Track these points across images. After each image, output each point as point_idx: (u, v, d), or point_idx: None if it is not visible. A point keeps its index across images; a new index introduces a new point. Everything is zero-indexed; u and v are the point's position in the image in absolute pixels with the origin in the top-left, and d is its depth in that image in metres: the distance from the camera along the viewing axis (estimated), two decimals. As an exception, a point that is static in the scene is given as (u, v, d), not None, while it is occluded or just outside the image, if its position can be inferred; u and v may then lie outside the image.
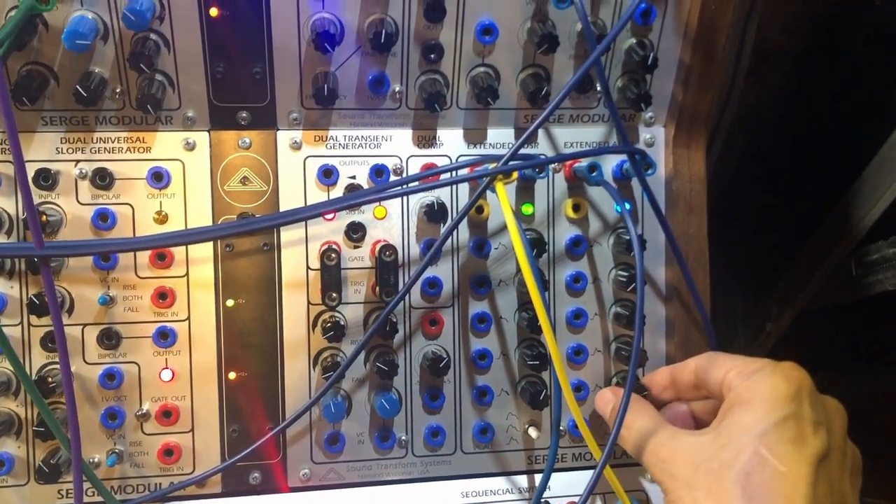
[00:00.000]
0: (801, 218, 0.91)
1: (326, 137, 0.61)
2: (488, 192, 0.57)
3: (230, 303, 0.61)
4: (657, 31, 0.61)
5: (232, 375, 0.61)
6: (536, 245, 0.61)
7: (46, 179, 0.58)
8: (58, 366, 0.59)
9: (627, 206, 0.64)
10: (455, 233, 0.62)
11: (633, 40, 0.61)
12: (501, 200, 0.55)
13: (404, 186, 0.58)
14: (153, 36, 0.56)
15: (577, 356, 0.65)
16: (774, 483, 0.44)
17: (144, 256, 0.59)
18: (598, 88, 0.61)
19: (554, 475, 0.64)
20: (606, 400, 0.60)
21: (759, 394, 0.48)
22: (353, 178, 0.62)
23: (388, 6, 0.57)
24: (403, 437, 0.64)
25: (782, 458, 0.45)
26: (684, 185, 0.64)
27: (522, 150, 0.58)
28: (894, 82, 0.80)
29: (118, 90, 0.57)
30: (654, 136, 0.65)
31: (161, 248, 0.58)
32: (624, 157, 0.63)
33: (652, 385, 0.60)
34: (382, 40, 0.56)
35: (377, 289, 0.60)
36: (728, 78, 0.88)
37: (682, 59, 0.62)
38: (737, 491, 0.45)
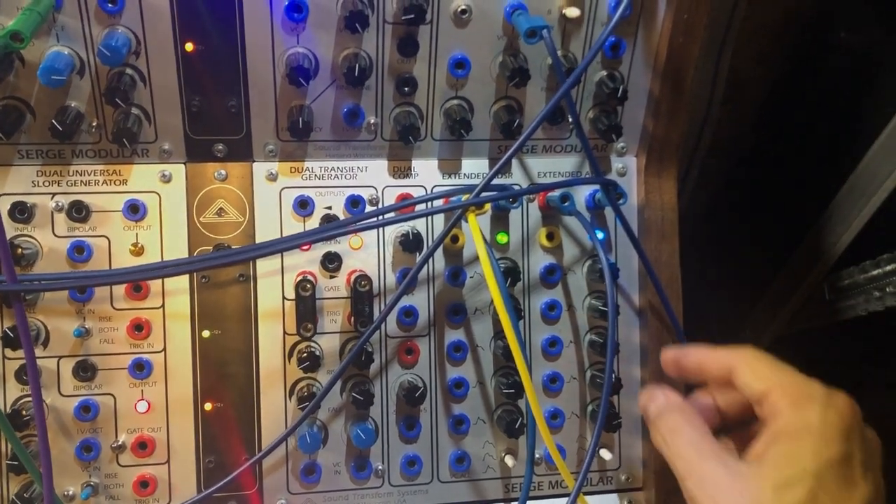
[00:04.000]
0: (777, 244, 0.92)
1: (302, 169, 0.62)
2: (464, 222, 0.58)
3: (206, 334, 0.61)
4: (627, 64, 0.62)
5: (208, 406, 0.61)
6: (511, 274, 0.61)
7: (22, 212, 0.58)
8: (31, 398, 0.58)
9: (601, 234, 0.65)
10: (431, 262, 0.63)
11: (604, 72, 0.62)
12: (473, 232, 0.56)
13: (380, 217, 0.59)
14: (129, 71, 0.56)
15: (552, 384, 0.65)
16: None
17: (120, 288, 0.59)
18: (570, 120, 0.62)
19: (530, 503, 0.64)
20: (654, 398, 0.53)
21: (812, 428, 0.44)
22: (329, 208, 0.62)
23: (361, 41, 0.58)
24: (380, 467, 0.64)
25: (835, 501, 0.43)
26: (656, 213, 0.65)
27: (496, 181, 0.59)
28: (862, 110, 0.82)
29: (94, 124, 0.58)
30: (626, 165, 0.66)
31: (136, 282, 0.58)
32: (596, 186, 0.63)
33: (681, 366, 0.55)
34: (356, 74, 0.56)
35: (352, 319, 0.60)
36: (703, 106, 0.89)
37: (651, 91, 0.63)
38: None
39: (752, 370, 0.49)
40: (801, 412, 0.45)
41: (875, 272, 0.77)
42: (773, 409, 0.46)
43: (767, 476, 0.44)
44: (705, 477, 0.47)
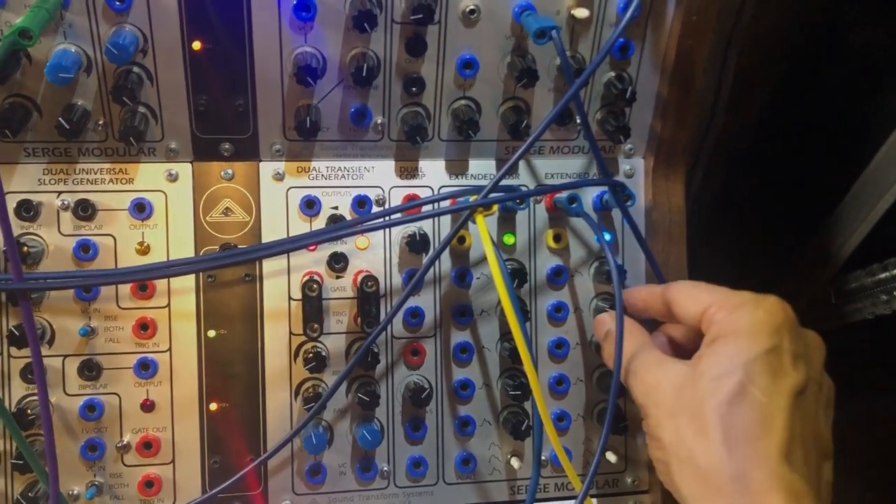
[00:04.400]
0: (784, 247, 0.91)
1: (309, 168, 0.62)
2: (471, 223, 0.58)
3: (212, 333, 0.61)
4: (635, 65, 0.62)
5: (213, 406, 0.61)
6: (517, 275, 0.61)
7: (28, 210, 0.58)
8: (37, 397, 0.58)
9: (608, 236, 0.65)
10: (437, 263, 0.63)
11: (612, 74, 0.62)
12: (482, 233, 0.56)
13: (386, 218, 0.59)
14: (136, 69, 0.56)
15: (559, 386, 0.65)
16: (754, 412, 0.46)
17: (126, 287, 0.59)
18: (578, 121, 0.62)
19: (536, 506, 0.64)
20: (603, 323, 0.60)
21: (743, 327, 0.48)
22: (336, 208, 0.62)
23: (369, 40, 0.58)
24: (385, 468, 0.63)
25: (763, 389, 0.46)
26: (663, 215, 0.65)
27: (504, 182, 0.59)
28: (869, 113, 0.82)
29: (101, 122, 0.58)
30: (634, 167, 0.66)
31: (142, 281, 0.58)
32: (604, 188, 0.63)
33: (633, 303, 0.60)
34: (364, 74, 0.56)
35: (359, 319, 0.60)
36: (708, 109, 0.89)
37: (660, 93, 0.63)
38: (717, 419, 0.46)
39: (686, 297, 0.53)
40: (734, 317, 0.49)
41: (882, 275, 0.77)
42: (709, 321, 0.50)
43: (703, 373, 0.48)
44: (649, 383, 0.52)
